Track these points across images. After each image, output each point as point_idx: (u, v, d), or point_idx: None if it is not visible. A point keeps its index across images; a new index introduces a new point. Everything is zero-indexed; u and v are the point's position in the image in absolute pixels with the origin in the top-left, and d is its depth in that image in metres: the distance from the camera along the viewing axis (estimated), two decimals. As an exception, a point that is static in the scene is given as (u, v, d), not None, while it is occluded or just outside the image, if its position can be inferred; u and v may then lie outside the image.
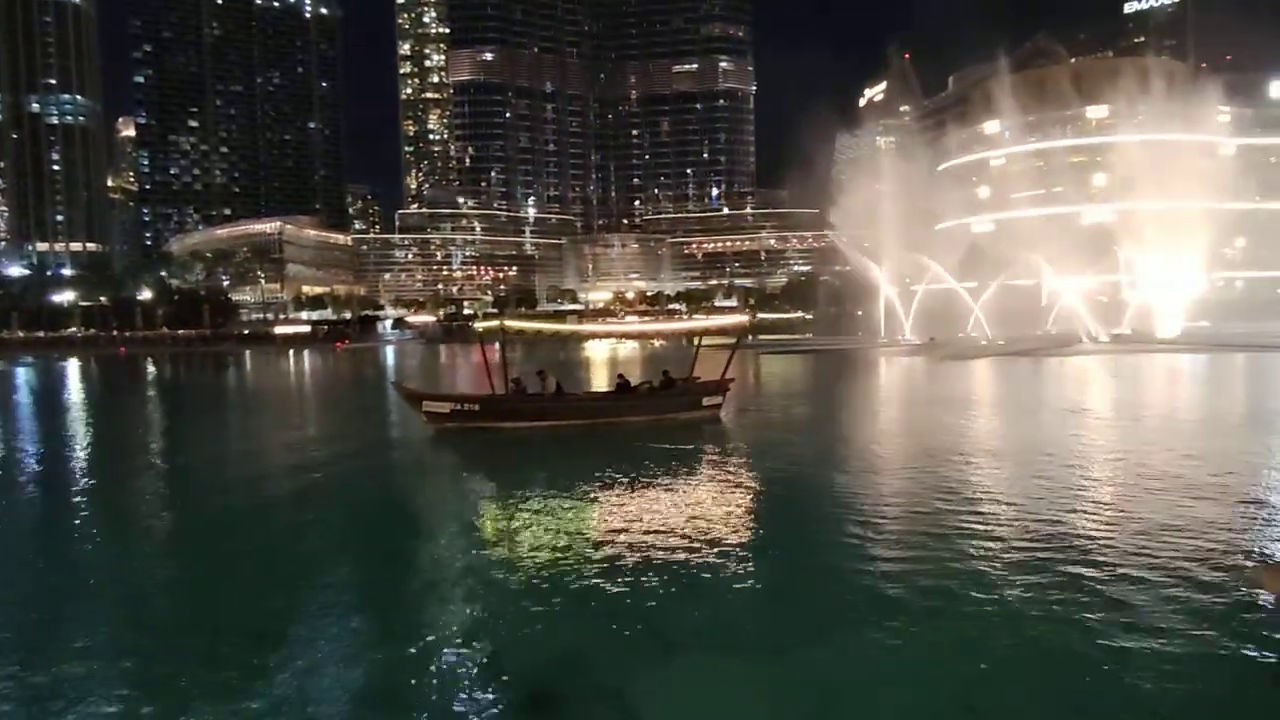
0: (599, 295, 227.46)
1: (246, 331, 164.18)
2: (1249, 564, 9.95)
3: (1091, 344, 65.54)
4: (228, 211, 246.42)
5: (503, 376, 24.26)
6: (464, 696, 7.23)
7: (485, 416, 23.49)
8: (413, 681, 7.57)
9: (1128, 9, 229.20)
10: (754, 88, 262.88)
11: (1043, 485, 14.93)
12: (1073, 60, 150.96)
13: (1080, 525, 12.12)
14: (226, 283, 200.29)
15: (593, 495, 15.11)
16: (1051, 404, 30.40)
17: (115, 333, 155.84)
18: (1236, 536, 11.31)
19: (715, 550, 11.30)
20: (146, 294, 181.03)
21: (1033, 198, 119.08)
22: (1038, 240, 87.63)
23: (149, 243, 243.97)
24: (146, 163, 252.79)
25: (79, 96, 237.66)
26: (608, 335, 78.65)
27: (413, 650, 8.25)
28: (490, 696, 7.25)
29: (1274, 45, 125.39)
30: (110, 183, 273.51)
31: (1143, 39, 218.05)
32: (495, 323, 25.85)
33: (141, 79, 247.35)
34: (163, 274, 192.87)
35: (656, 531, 12.35)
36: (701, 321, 34.71)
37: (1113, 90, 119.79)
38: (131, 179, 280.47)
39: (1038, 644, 7.97)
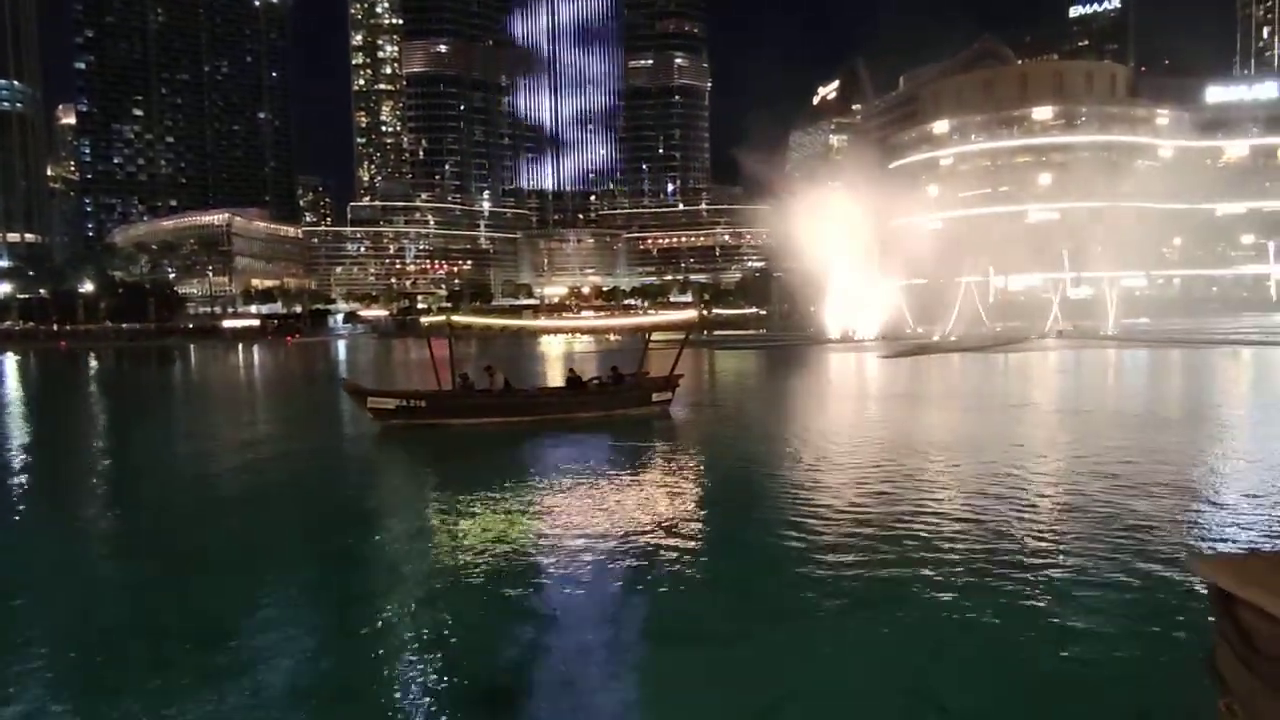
0: (554, 290, 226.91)
1: (193, 325, 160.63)
2: (1185, 553, 10.32)
3: (1038, 340, 66.98)
4: (174, 203, 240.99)
5: (450, 372, 24.13)
6: (415, 695, 7.20)
7: (432, 413, 23.33)
8: (364, 681, 7.53)
9: (1073, 13, 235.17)
10: (709, 84, 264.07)
11: (988, 477, 15.22)
12: (1019, 62, 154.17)
13: (1026, 516, 12.41)
14: (172, 275, 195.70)
15: (541, 492, 15.09)
16: (997, 398, 31.02)
17: (56, 326, 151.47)
18: (1174, 527, 11.68)
19: (666, 545, 11.36)
20: (88, 286, 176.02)
21: (980, 196, 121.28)
22: (985, 238, 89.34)
23: (91, 234, 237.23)
24: (88, 152, 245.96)
25: (16, 82, 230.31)
26: (557, 330, 79.01)
27: (363, 649, 8.20)
28: (442, 693, 7.23)
29: (1210, 51, 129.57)
30: (50, 172, 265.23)
31: (1086, 42, 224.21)
32: (441, 318, 25.70)
33: (83, 65, 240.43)
34: (106, 266, 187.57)
35: (605, 526, 12.40)
36: (651, 317, 34.89)
37: (1057, 92, 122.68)
38: (72, 168, 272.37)
39: (985, 632, 8.17)
